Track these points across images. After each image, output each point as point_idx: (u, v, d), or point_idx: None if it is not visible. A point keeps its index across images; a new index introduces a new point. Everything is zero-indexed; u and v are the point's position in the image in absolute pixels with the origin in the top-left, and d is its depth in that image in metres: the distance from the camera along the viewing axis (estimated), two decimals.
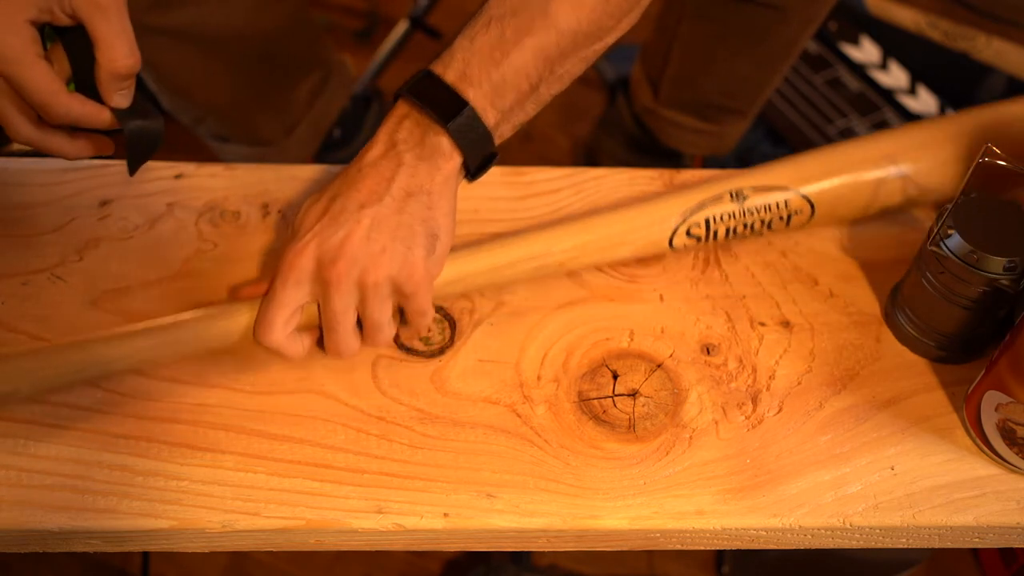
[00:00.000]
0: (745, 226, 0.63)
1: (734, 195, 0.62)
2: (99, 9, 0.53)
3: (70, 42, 0.55)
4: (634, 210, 0.63)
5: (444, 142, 0.54)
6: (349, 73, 1.27)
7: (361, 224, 0.52)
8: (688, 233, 0.62)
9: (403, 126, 0.55)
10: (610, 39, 0.58)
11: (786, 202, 0.63)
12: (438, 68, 0.55)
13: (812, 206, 0.63)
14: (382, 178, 0.54)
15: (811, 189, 0.63)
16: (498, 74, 0.54)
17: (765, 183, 0.63)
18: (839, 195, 0.64)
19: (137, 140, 0.57)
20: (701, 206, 0.62)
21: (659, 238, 0.62)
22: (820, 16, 1.05)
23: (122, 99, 0.56)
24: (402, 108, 0.56)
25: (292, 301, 0.53)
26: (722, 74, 1.11)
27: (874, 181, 0.64)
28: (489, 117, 0.55)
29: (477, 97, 0.54)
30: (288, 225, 0.64)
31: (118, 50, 0.54)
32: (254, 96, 1.10)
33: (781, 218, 0.63)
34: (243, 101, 1.10)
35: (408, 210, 0.53)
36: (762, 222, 0.63)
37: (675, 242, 0.62)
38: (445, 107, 0.54)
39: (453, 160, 0.55)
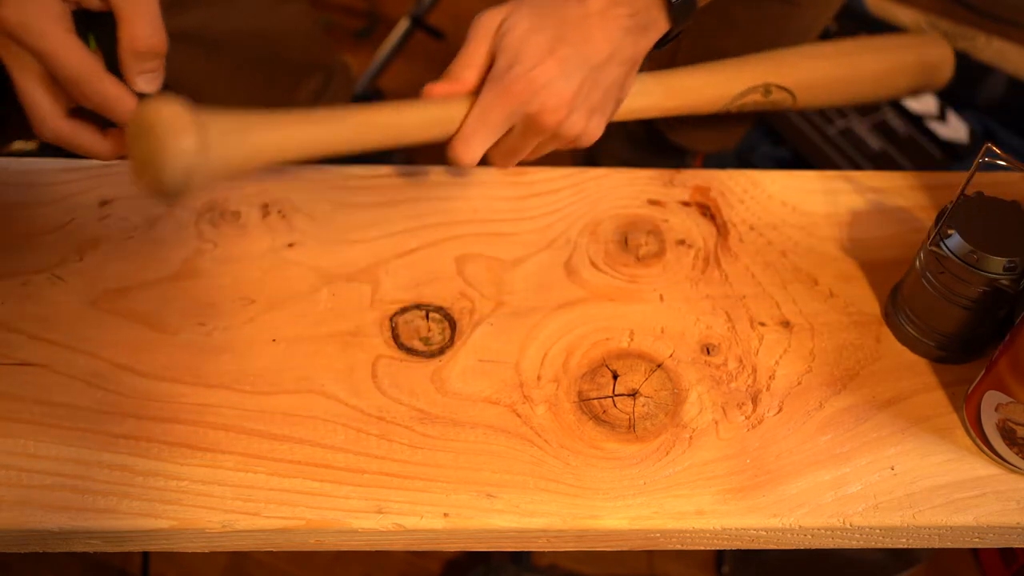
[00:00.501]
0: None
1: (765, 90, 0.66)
2: None
3: (101, 32, 0.53)
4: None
5: (661, 17, 0.56)
6: (351, 74, 1.27)
7: (585, 83, 0.54)
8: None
9: None
10: None
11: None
12: None
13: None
14: (607, 38, 0.54)
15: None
16: None
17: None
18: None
19: None
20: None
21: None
22: (832, 10, 1.05)
23: (146, 83, 0.53)
24: None
25: (502, 128, 0.54)
26: None
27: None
28: None
29: None
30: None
31: (140, 27, 0.51)
32: (258, 98, 1.10)
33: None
34: (248, 103, 1.10)
35: (618, 78, 0.55)
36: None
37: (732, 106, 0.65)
38: None
39: (659, 32, 0.56)
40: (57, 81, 0.52)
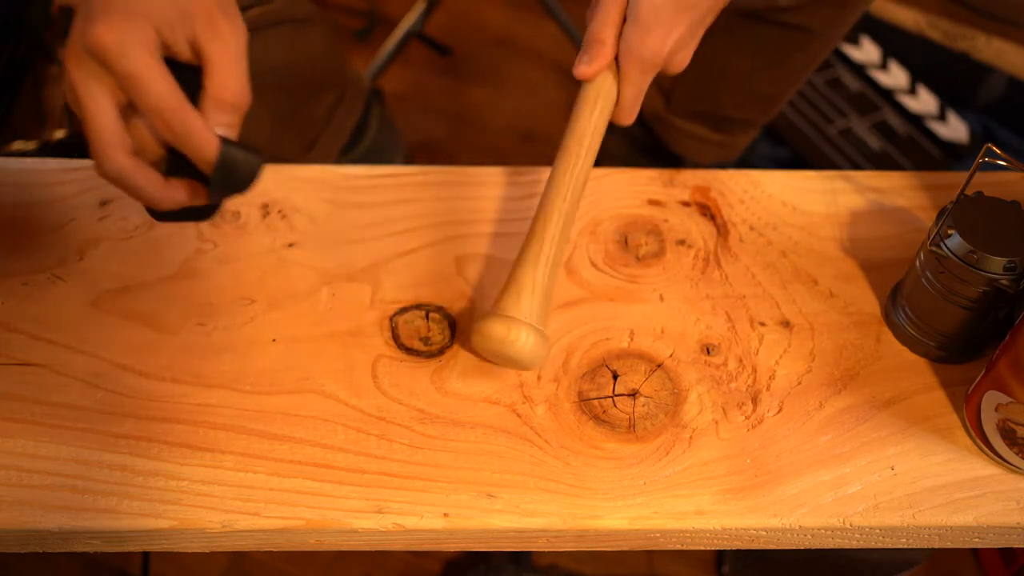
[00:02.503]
0: None
1: None
2: (218, 36, 0.51)
3: (183, 82, 0.51)
4: None
5: None
6: (363, 86, 1.27)
7: (697, 30, 0.61)
8: None
9: None
10: None
11: None
12: None
13: None
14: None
15: None
16: None
17: None
18: None
19: (231, 165, 0.51)
20: None
21: None
22: (842, 35, 1.05)
23: (224, 133, 0.52)
24: None
25: (646, 85, 0.61)
26: (739, 89, 1.11)
27: None
28: None
29: None
30: None
31: (231, 78, 0.51)
32: (280, 120, 1.10)
33: None
34: (270, 126, 1.10)
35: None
36: None
37: None
38: None
39: None
40: (141, 110, 0.50)
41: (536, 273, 0.57)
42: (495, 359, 0.58)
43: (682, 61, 0.62)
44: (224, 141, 0.51)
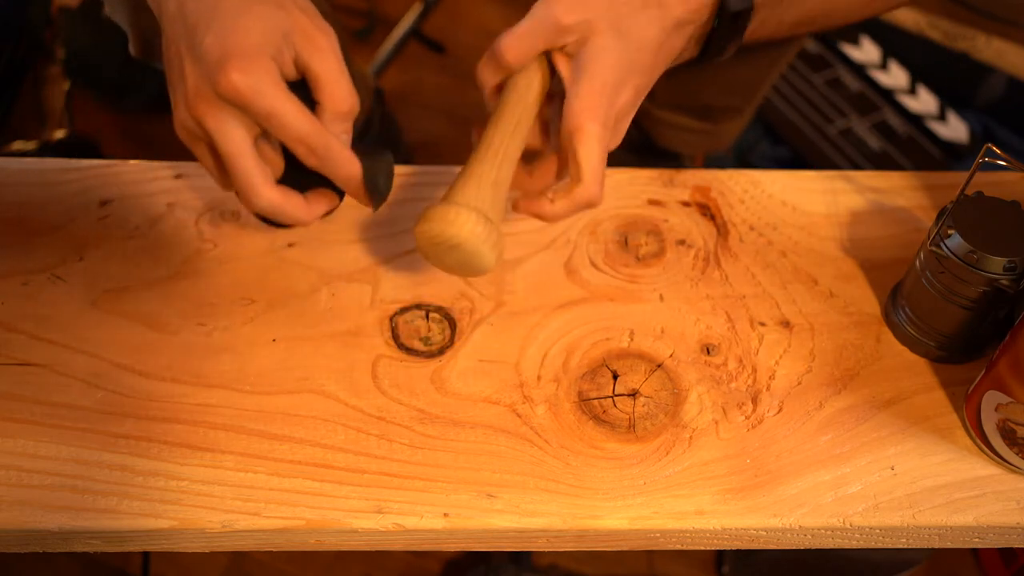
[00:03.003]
0: None
1: None
2: (319, 50, 0.52)
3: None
4: None
5: (695, 50, 0.60)
6: (369, 83, 1.27)
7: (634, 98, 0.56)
8: None
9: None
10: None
11: None
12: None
13: None
14: (666, 62, 0.58)
15: None
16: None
17: None
18: None
19: (374, 175, 0.54)
20: None
21: None
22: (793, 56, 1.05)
23: (345, 144, 0.54)
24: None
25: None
26: (717, 78, 1.11)
27: None
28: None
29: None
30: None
31: (340, 89, 0.52)
32: None
33: None
34: None
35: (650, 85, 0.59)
36: None
37: None
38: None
39: (684, 59, 0.60)
40: (284, 142, 0.52)
41: (484, 166, 0.53)
42: (439, 256, 0.53)
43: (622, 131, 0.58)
44: (360, 155, 0.53)
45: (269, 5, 0.51)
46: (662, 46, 0.56)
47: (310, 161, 0.52)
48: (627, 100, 0.56)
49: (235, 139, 0.51)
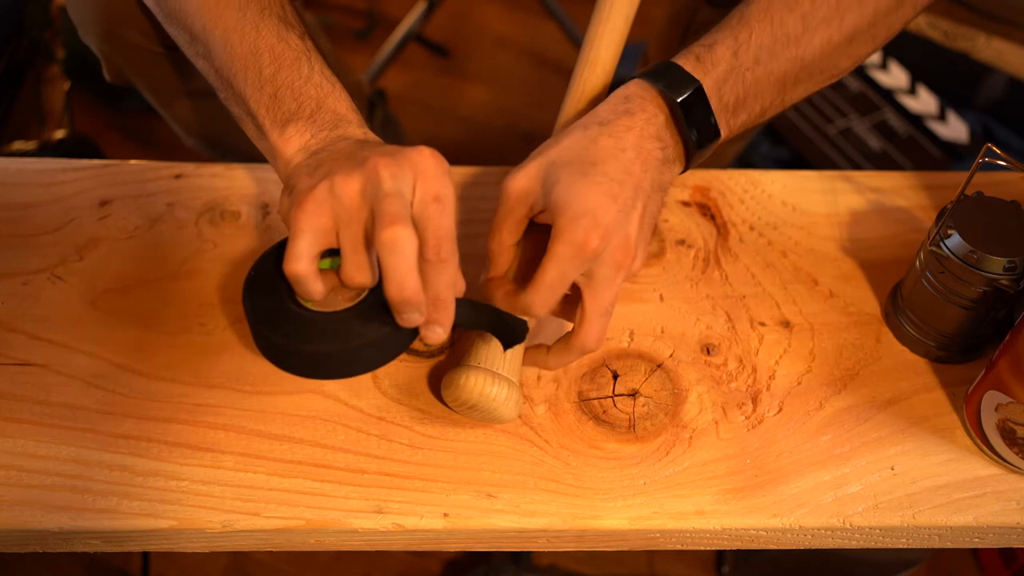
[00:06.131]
0: None
1: None
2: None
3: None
4: None
5: (681, 154, 0.57)
6: (363, 90, 1.26)
7: (639, 219, 0.54)
8: None
9: (653, 122, 0.56)
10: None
11: None
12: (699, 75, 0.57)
13: None
14: (645, 169, 0.55)
15: None
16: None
17: None
18: None
19: (507, 328, 0.55)
20: None
21: None
22: None
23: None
24: (653, 106, 0.57)
25: (573, 276, 0.53)
26: None
27: None
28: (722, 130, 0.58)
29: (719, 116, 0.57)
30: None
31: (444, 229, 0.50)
32: None
33: None
34: None
35: (660, 206, 0.57)
36: None
37: None
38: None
39: (680, 167, 0.58)
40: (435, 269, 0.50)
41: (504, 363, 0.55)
42: (463, 412, 0.56)
43: (642, 259, 0.57)
44: (488, 311, 0.55)
45: None
46: (632, 164, 0.55)
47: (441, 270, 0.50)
48: (633, 229, 0.54)
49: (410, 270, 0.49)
